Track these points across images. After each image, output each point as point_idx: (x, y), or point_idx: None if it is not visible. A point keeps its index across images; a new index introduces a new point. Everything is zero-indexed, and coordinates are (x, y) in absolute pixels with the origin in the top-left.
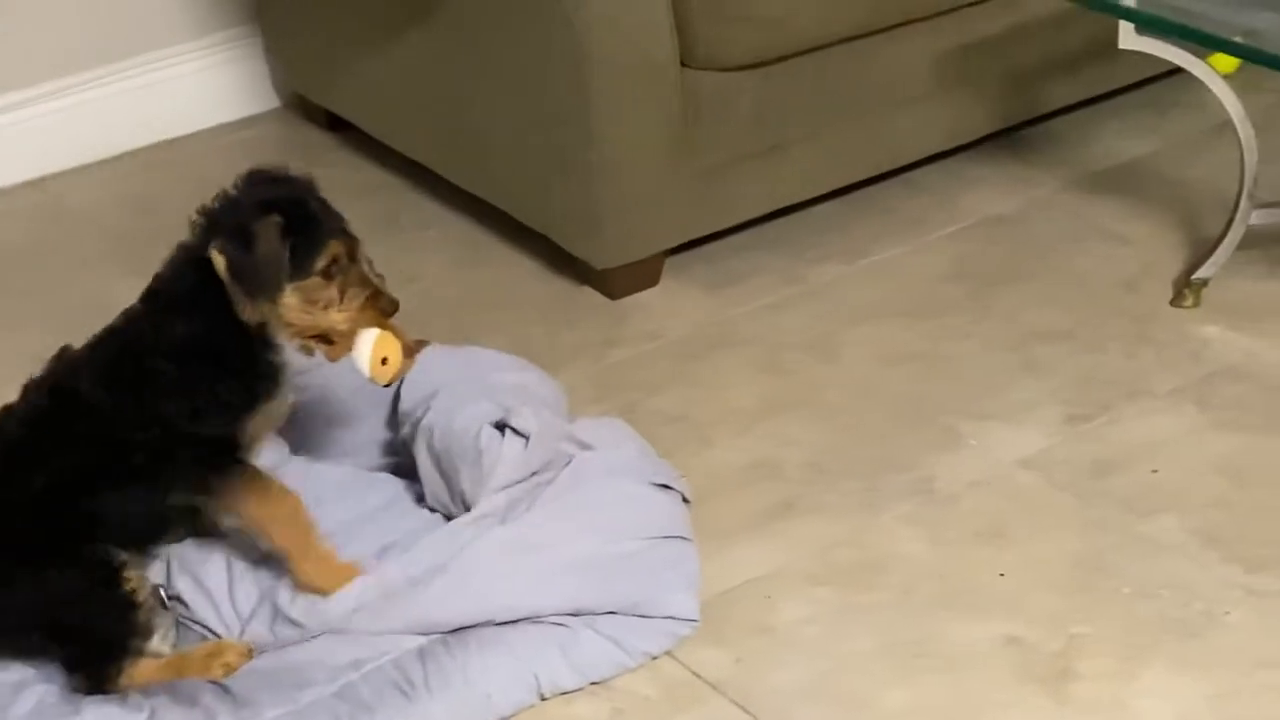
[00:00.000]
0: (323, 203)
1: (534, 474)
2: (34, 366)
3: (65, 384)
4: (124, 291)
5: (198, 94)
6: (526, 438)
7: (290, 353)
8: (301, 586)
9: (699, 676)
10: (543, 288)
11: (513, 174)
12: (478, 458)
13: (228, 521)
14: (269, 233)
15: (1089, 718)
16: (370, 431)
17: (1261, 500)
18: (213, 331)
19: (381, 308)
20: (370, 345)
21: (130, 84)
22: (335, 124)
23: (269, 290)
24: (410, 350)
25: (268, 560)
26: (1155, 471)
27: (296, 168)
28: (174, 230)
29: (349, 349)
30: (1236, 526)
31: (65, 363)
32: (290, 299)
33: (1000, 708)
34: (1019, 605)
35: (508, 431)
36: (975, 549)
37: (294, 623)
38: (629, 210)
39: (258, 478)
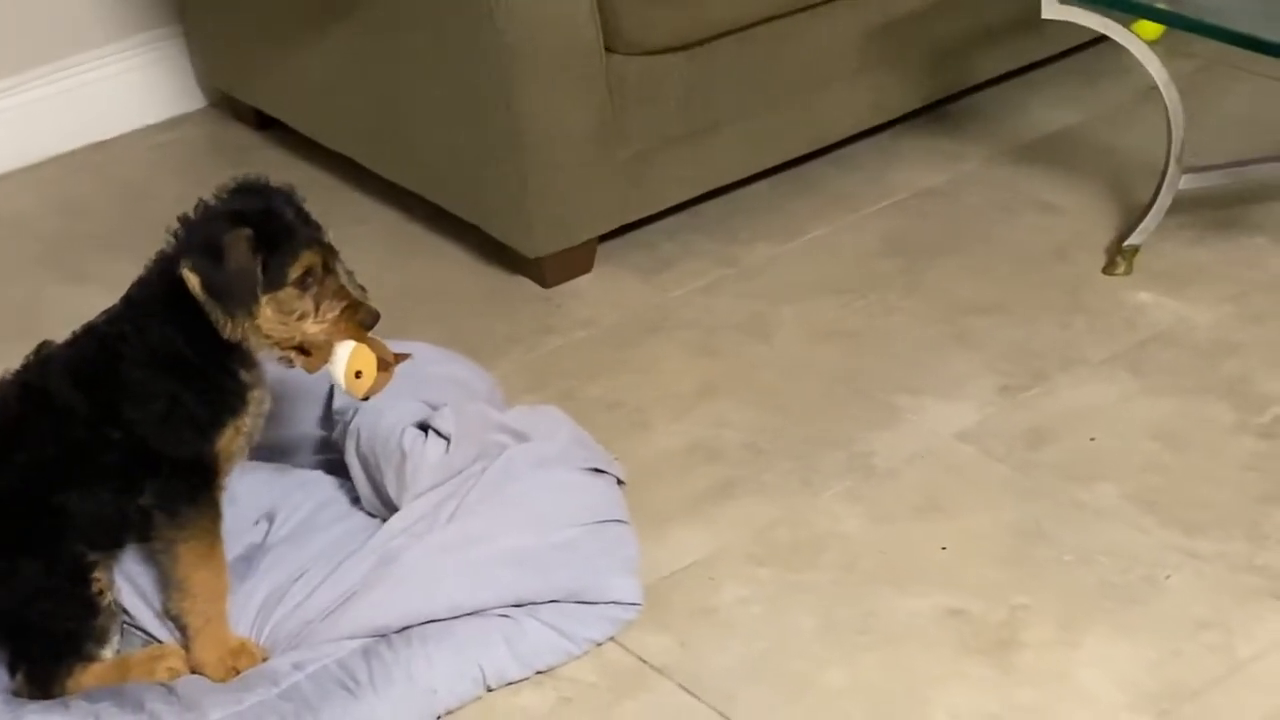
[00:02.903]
0: (300, 213)
1: (460, 472)
2: None
3: (37, 381)
4: (55, 296)
5: (123, 96)
6: (448, 439)
7: (263, 368)
8: (190, 660)
9: (644, 661)
10: (476, 278)
11: (442, 166)
12: (401, 461)
13: (158, 540)
14: (239, 246)
15: (1033, 687)
16: (303, 429)
17: (1197, 464)
18: (186, 344)
19: (360, 320)
20: (345, 358)
21: (55, 88)
22: (264, 122)
23: (245, 305)
24: (387, 364)
25: None
26: (1092, 439)
27: (291, 181)
28: (103, 234)
29: (326, 360)
30: (1174, 491)
31: (42, 358)
32: (265, 310)
33: (944, 680)
34: (960, 578)
35: (430, 433)
36: (914, 523)
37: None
38: (559, 198)
39: (212, 537)
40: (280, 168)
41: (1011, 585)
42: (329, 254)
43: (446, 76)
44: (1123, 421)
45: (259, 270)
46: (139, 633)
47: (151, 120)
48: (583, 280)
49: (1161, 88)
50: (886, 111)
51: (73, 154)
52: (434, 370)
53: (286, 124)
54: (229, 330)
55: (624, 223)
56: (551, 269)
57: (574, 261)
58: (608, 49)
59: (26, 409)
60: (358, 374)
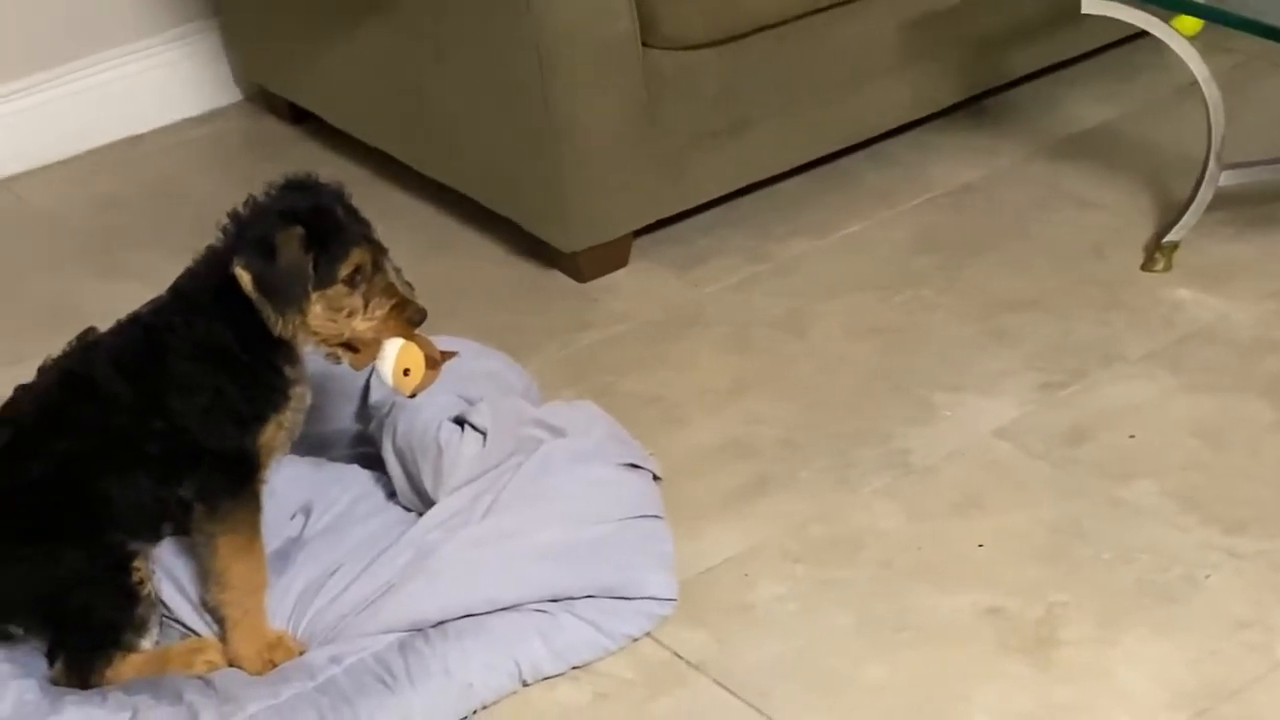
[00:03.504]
0: (349, 210)
1: (496, 467)
2: (2, 368)
3: (81, 368)
4: (92, 290)
5: (159, 90)
6: (485, 434)
7: (306, 363)
8: (228, 653)
9: (680, 657)
10: (511, 273)
11: (478, 160)
12: (438, 455)
13: (198, 533)
14: (290, 244)
15: (1071, 685)
16: (340, 423)
17: (1237, 461)
18: (233, 338)
19: (408, 317)
20: (394, 355)
21: (92, 82)
22: (298, 115)
23: (296, 303)
24: (435, 361)
25: None
26: (1132, 437)
27: (326, 175)
28: (138, 228)
29: (374, 357)
30: (1214, 489)
31: (86, 345)
32: (315, 307)
33: (982, 678)
34: (998, 575)
35: (466, 428)
36: (952, 521)
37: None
38: (595, 192)
39: (251, 530)
40: (314, 162)
41: (1050, 583)
42: (378, 251)
43: (483, 70)
44: (1162, 419)
45: (310, 268)
46: (177, 626)
47: (187, 114)
48: (618, 275)
49: (1201, 83)
50: (924, 106)
51: (108, 148)
52: (470, 365)
53: (321, 118)
54: (279, 328)
55: (660, 218)
56: (587, 264)
57: (610, 256)
58: (644, 43)
59: (69, 396)
60: (406, 371)
